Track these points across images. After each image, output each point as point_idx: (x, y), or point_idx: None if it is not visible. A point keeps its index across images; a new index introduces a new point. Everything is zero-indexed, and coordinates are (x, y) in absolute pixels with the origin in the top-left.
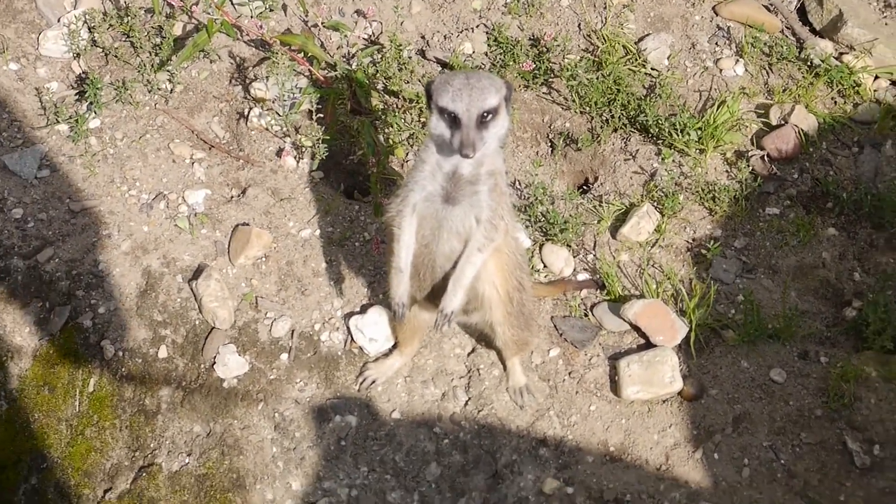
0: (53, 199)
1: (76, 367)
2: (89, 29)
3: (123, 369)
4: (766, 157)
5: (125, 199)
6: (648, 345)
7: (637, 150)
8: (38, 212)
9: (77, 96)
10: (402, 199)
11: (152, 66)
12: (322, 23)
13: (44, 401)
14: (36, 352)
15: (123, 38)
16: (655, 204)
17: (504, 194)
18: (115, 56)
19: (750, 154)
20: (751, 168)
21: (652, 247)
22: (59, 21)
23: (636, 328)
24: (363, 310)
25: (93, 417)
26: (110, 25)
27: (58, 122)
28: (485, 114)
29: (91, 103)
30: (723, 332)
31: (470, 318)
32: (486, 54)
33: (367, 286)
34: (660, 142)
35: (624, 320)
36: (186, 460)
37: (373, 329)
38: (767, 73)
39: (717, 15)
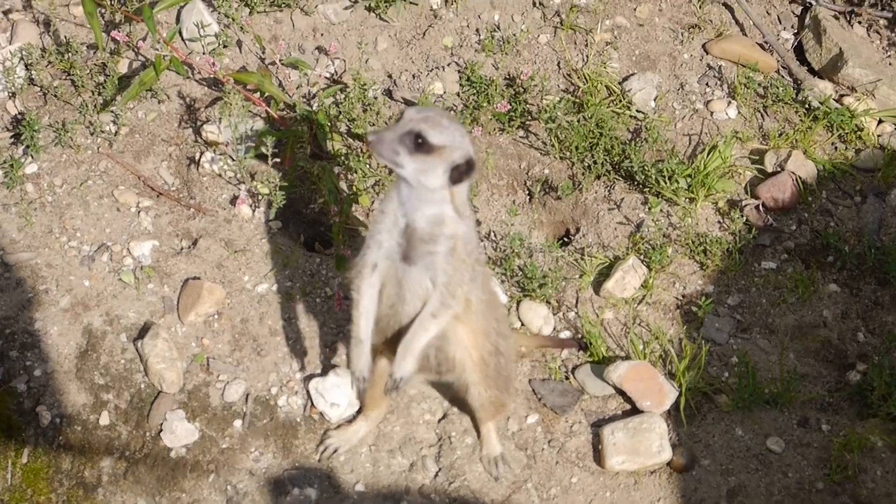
0: None
1: (8, 436)
2: (26, 66)
3: (61, 438)
4: (761, 207)
5: (65, 250)
6: (635, 410)
7: (622, 199)
8: None
9: (12, 139)
10: (361, 257)
11: (95, 106)
12: (280, 60)
13: None
14: None
15: (63, 76)
16: (642, 257)
17: (465, 262)
18: (55, 95)
19: (744, 203)
20: (745, 218)
21: (638, 304)
22: None
23: (621, 392)
24: (324, 372)
25: (26, 491)
26: (49, 62)
27: None
28: (419, 138)
29: (28, 147)
30: (715, 396)
31: (444, 377)
32: (459, 94)
33: (329, 346)
34: (646, 190)
35: (608, 384)
36: None
37: (335, 393)
38: (762, 115)
39: (707, 53)
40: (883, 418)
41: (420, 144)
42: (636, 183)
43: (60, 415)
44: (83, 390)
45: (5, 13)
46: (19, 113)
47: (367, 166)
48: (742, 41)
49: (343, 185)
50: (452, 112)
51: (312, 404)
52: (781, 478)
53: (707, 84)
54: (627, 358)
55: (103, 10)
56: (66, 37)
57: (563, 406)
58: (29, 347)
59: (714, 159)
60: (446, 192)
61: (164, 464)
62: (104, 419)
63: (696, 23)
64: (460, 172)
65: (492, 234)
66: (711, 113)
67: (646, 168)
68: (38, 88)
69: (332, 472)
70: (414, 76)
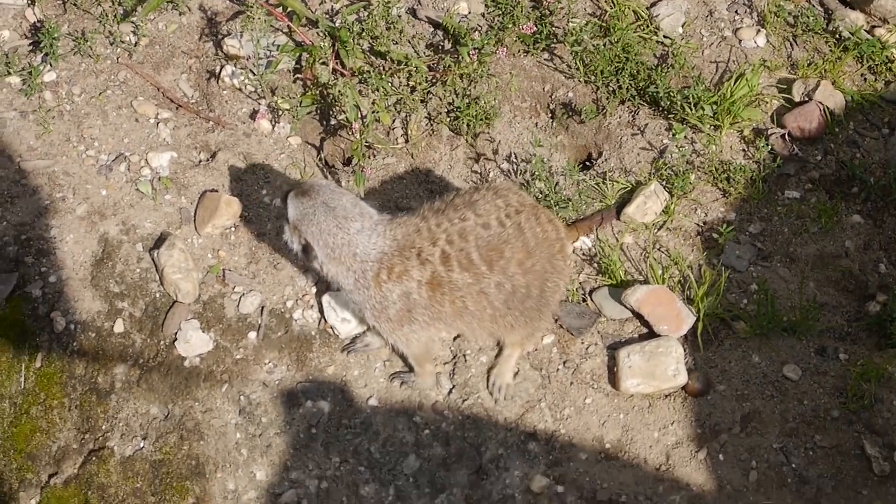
0: (2, 158)
1: (23, 340)
2: None
3: (75, 344)
4: (786, 136)
5: (82, 159)
6: (651, 334)
7: (646, 125)
8: None
9: (31, 47)
10: None
11: (115, 16)
12: None
13: None
14: None
15: None
16: (664, 183)
17: (389, 322)
18: (74, 4)
19: (769, 132)
20: (770, 147)
21: (659, 229)
22: None
23: (639, 316)
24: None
25: (39, 395)
26: None
27: (9, 73)
28: (284, 203)
29: (46, 55)
30: (733, 323)
31: None
32: (483, 15)
33: None
34: (671, 116)
35: (625, 307)
36: (141, 444)
37: (347, 309)
38: (791, 45)
39: None
40: None
41: (284, 212)
42: (661, 109)
43: (75, 321)
44: (98, 298)
45: None
46: (38, 21)
47: (390, 84)
48: None
49: (365, 103)
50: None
51: (324, 318)
52: (797, 405)
53: (736, 12)
54: (646, 282)
55: None
56: None
57: (579, 328)
58: (44, 254)
59: (741, 87)
60: (314, 263)
61: (178, 372)
62: (118, 327)
63: None
64: (307, 253)
65: (513, 155)
66: (740, 41)
67: (671, 94)
68: None
69: (346, 386)
70: None
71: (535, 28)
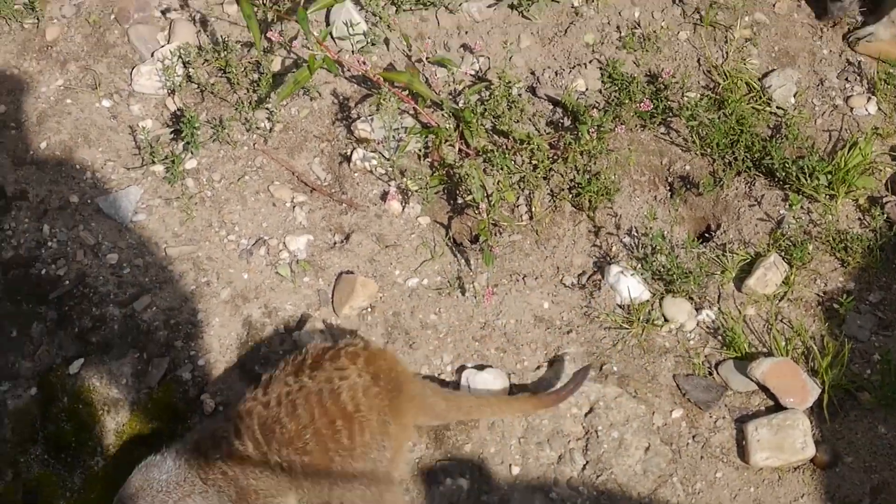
0: (150, 244)
1: (175, 422)
2: (184, 64)
3: None
4: None
5: (224, 244)
6: (778, 407)
7: (762, 196)
8: (133, 257)
9: (172, 135)
10: None
11: (250, 103)
12: (427, 58)
13: (142, 457)
14: (133, 405)
15: (219, 74)
16: (783, 254)
17: None
18: (211, 92)
19: (885, 200)
20: (886, 216)
21: (780, 300)
22: (152, 56)
23: (764, 388)
24: (481, 367)
25: None
26: (205, 60)
27: (153, 162)
28: None
29: (188, 143)
30: (858, 394)
31: None
32: (601, 91)
33: (479, 340)
34: (787, 186)
35: (751, 380)
36: None
37: (484, 388)
38: None
39: (847, 48)
40: None
41: None
42: (776, 179)
43: (224, 402)
44: (244, 379)
45: (163, 12)
46: (178, 109)
47: (513, 163)
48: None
49: (489, 182)
50: None
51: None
52: None
53: (847, 80)
54: (770, 354)
55: (256, 9)
56: (221, 36)
57: (706, 401)
58: (192, 337)
59: (855, 156)
60: None
61: None
62: None
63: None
64: None
65: (633, 229)
66: (851, 109)
67: (786, 165)
68: (196, 86)
69: (483, 463)
70: (556, 73)
71: (651, 104)
